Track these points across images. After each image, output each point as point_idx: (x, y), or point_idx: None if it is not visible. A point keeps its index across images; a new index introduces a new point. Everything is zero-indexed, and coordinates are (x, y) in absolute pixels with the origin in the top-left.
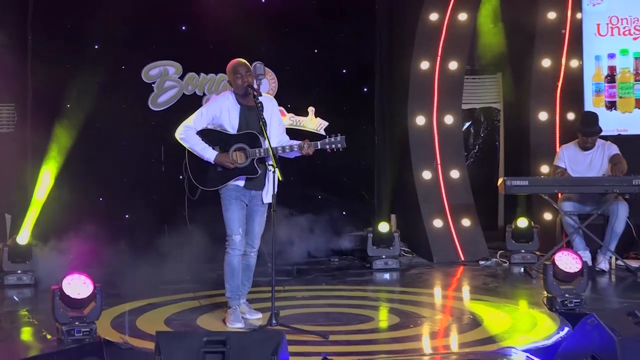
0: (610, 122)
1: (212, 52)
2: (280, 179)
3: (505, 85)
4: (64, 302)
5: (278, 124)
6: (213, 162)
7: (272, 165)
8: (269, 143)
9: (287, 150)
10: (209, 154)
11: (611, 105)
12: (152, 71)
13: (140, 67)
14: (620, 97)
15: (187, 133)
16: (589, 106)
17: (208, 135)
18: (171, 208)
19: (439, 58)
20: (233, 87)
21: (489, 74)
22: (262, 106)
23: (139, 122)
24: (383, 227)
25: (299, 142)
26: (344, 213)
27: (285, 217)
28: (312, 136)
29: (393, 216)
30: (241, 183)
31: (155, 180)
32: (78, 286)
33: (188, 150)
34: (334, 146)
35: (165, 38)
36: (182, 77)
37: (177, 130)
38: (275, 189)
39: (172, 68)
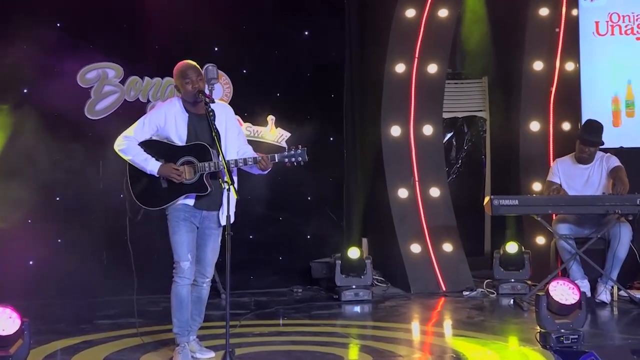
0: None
1: (157, 53)
2: (235, 197)
3: (492, 91)
4: None
5: (237, 133)
6: (157, 175)
7: (226, 182)
8: (223, 156)
9: (241, 164)
10: (151, 165)
11: None
12: (89, 74)
13: (75, 69)
14: None
15: (127, 144)
16: (587, 115)
17: (152, 147)
18: (111, 231)
19: (416, 60)
20: (181, 94)
21: (474, 78)
22: (213, 114)
23: (74, 133)
24: (353, 252)
25: (255, 155)
26: (308, 237)
27: (241, 241)
28: (272, 149)
29: (365, 240)
30: (190, 202)
31: (92, 199)
32: (3, 321)
33: (129, 164)
34: (293, 159)
35: (105, 37)
36: (123, 82)
37: (115, 142)
38: (232, 209)
39: (112, 71)
